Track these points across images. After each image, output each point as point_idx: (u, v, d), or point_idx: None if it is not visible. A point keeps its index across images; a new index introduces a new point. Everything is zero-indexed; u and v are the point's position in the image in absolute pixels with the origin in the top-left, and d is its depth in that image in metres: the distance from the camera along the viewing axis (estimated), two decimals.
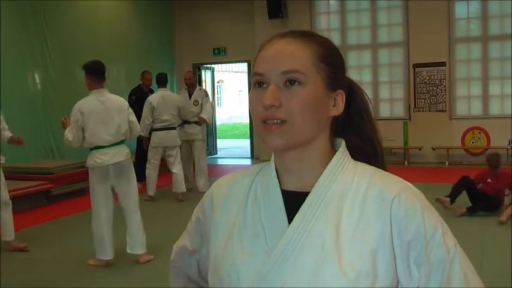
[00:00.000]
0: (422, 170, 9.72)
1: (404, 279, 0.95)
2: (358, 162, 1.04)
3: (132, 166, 4.87)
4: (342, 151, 1.03)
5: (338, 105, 1.02)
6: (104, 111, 4.61)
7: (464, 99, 10.56)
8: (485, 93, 10.38)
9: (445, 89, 10.43)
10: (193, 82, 8.25)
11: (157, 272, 4.51)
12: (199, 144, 8.01)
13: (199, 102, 8.01)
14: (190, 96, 8.06)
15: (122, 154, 4.67)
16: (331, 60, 1.01)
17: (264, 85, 0.98)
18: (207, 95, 8.24)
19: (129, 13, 11.00)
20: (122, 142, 4.72)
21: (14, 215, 6.56)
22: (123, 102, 4.85)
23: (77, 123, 4.57)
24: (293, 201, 0.99)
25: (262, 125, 0.97)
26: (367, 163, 1.05)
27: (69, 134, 4.60)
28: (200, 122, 7.98)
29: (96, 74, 4.66)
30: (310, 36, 1.02)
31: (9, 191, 6.65)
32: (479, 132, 10.17)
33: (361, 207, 0.96)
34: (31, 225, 6.38)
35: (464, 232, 5.08)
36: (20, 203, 7.01)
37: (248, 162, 11.87)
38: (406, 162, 10.38)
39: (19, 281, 4.44)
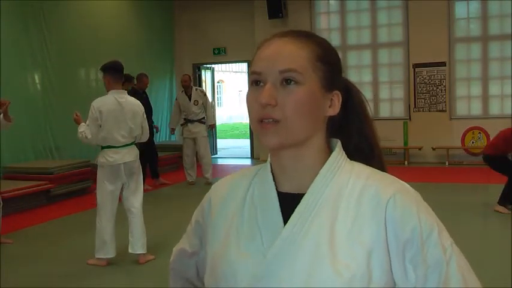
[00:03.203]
0: (422, 170, 9.72)
1: (401, 280, 0.95)
2: (355, 162, 1.04)
3: (141, 167, 4.96)
4: (338, 151, 1.03)
5: (334, 105, 1.02)
6: (120, 113, 4.67)
7: (464, 99, 10.55)
8: (485, 93, 10.38)
9: (445, 89, 10.43)
10: (190, 85, 8.75)
11: (157, 271, 4.51)
12: (203, 141, 8.59)
13: (199, 102, 8.55)
14: (189, 97, 8.59)
15: (132, 154, 4.76)
16: (329, 61, 1.01)
17: (261, 84, 0.98)
18: (205, 95, 8.85)
19: (129, 13, 11.00)
20: (132, 143, 4.80)
21: (14, 215, 6.61)
22: (139, 107, 4.88)
23: (96, 121, 4.61)
24: (289, 203, 0.99)
25: (258, 124, 0.98)
26: (365, 163, 1.05)
27: (87, 132, 4.64)
28: (208, 125, 8.73)
29: (115, 74, 4.73)
30: (308, 37, 1.02)
31: (9, 191, 6.70)
32: (479, 132, 10.16)
33: (357, 208, 0.96)
34: (31, 225, 6.38)
35: (464, 231, 5.08)
36: (20, 203, 7.02)
37: (248, 162, 11.87)
38: (406, 162, 10.38)
39: (19, 280, 4.44)
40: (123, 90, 4.91)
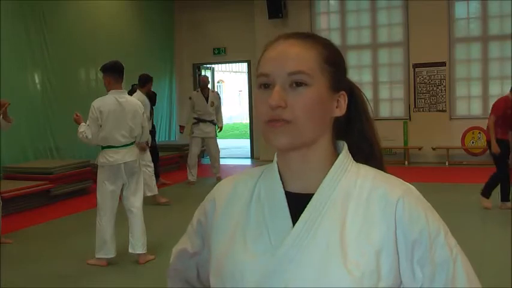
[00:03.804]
0: (422, 170, 9.72)
1: (408, 280, 0.96)
2: (360, 164, 1.05)
3: (141, 166, 4.96)
4: (345, 153, 1.04)
5: (341, 106, 1.03)
6: (120, 113, 4.69)
7: (464, 99, 10.56)
8: (485, 93, 10.38)
9: (445, 89, 10.43)
10: (208, 86, 9.10)
11: (157, 271, 4.51)
12: (214, 142, 8.90)
13: (214, 103, 8.88)
14: (206, 99, 8.85)
15: (133, 154, 4.77)
16: (335, 62, 1.02)
17: (270, 86, 0.98)
18: (219, 98, 9.22)
19: (129, 13, 11.00)
20: (132, 143, 4.80)
21: (14, 215, 6.61)
22: (140, 106, 4.91)
23: (97, 121, 4.61)
24: (296, 203, 0.99)
25: (267, 124, 0.98)
26: (365, 163, 1.06)
27: (87, 132, 4.64)
28: (218, 126, 8.96)
29: (115, 74, 4.74)
30: (313, 38, 1.03)
31: (9, 191, 6.70)
32: (479, 132, 10.16)
33: (366, 208, 0.97)
34: (31, 225, 6.38)
35: (464, 231, 5.08)
36: (20, 203, 7.02)
37: (248, 162, 11.87)
38: (406, 162, 10.38)
39: (19, 280, 4.44)
40: (124, 90, 4.92)
